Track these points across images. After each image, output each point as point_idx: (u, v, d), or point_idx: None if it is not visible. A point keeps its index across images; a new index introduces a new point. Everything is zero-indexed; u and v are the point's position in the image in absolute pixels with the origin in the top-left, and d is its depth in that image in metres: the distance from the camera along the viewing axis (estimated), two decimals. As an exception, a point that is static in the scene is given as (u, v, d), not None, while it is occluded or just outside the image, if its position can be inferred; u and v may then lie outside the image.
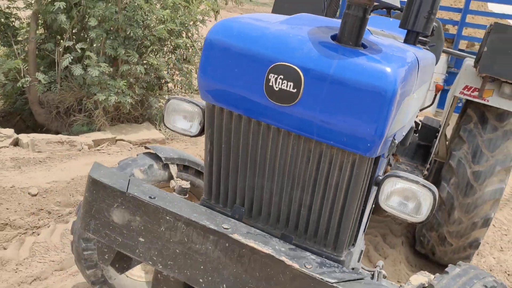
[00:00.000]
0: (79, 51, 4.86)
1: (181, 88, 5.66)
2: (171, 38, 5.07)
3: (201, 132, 1.85)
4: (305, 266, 1.34)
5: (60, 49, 5.11)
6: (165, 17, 4.82)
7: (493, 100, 2.99)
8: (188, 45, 5.32)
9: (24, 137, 4.43)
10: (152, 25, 4.92)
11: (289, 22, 1.55)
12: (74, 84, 5.18)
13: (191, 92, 5.71)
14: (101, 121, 5.03)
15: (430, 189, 1.48)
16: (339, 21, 1.49)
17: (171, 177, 2.33)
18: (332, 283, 1.29)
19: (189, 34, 5.36)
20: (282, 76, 1.38)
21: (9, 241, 2.98)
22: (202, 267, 1.44)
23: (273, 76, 1.39)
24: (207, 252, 1.43)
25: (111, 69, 4.82)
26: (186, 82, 5.52)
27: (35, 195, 3.47)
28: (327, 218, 1.56)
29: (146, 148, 2.37)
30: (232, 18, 1.56)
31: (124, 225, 1.55)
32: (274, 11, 3.40)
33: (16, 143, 4.42)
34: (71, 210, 3.37)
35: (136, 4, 4.65)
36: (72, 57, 4.76)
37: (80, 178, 3.81)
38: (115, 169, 2.03)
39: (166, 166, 2.32)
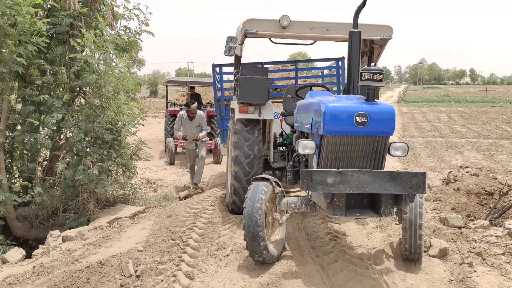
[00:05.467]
0: (64, 164, 6.22)
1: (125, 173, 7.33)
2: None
3: (315, 151, 4.43)
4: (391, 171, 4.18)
5: (40, 168, 6.26)
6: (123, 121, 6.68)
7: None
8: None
9: (67, 234, 5.56)
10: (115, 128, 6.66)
11: (347, 98, 4.40)
12: (51, 193, 6.37)
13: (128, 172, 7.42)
14: (94, 211, 6.37)
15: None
16: (360, 96, 4.44)
17: (274, 188, 4.71)
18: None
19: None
20: (360, 116, 4.17)
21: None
22: (367, 185, 3.99)
23: (358, 117, 4.18)
24: (364, 178, 4.00)
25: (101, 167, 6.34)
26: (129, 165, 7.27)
27: (142, 251, 5.00)
28: (381, 163, 4.36)
29: (260, 177, 4.67)
30: (330, 104, 4.29)
31: (332, 183, 3.96)
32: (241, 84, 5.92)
33: (62, 239, 5.51)
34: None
35: (109, 117, 6.39)
36: (65, 164, 6.10)
37: (151, 235, 5.42)
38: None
39: (270, 183, 4.70)
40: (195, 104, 8.69)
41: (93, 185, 6.21)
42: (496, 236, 5.13)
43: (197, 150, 8.74)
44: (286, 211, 4.63)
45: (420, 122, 24.57)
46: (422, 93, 65.46)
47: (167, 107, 15.37)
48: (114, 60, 6.35)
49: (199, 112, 8.82)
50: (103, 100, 6.26)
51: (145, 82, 66.12)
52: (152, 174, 11.24)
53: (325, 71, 9.58)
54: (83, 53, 6.27)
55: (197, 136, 8.55)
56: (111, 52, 6.18)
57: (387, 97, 55.10)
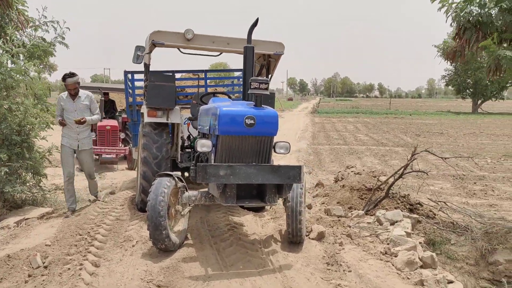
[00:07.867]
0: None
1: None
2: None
3: (212, 150, 5.06)
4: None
5: None
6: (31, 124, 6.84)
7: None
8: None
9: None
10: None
11: (240, 104, 5.08)
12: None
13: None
14: (1, 211, 6.44)
15: None
16: (250, 102, 5.15)
17: (176, 183, 5.27)
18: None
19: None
20: (249, 119, 4.88)
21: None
22: (253, 176, 4.73)
23: (247, 119, 4.89)
24: (251, 170, 4.73)
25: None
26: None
27: (50, 245, 5.26)
28: (268, 159, 5.11)
29: (164, 173, 5.21)
30: (224, 108, 4.95)
31: (223, 175, 4.60)
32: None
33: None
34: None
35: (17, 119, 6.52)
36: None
37: (59, 232, 5.67)
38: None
39: (173, 178, 5.25)
40: (76, 77, 6.55)
41: (1, 185, 6.29)
42: (368, 223, 6.09)
43: (76, 155, 7.01)
44: (188, 204, 5.20)
45: (329, 131, 26.36)
46: (334, 105, 69.45)
47: (80, 114, 15.22)
48: (24, 64, 6.50)
49: (85, 91, 6.91)
50: (11, 102, 6.39)
51: (57, 88, 63.17)
52: (61, 181, 11.14)
53: (235, 81, 10.32)
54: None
55: (83, 118, 6.52)
56: (20, 56, 6.35)
57: (302, 108, 57.81)
